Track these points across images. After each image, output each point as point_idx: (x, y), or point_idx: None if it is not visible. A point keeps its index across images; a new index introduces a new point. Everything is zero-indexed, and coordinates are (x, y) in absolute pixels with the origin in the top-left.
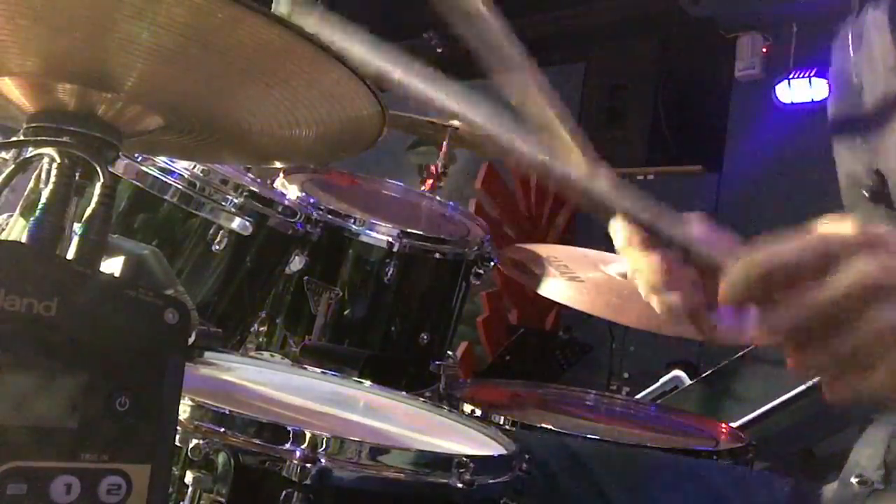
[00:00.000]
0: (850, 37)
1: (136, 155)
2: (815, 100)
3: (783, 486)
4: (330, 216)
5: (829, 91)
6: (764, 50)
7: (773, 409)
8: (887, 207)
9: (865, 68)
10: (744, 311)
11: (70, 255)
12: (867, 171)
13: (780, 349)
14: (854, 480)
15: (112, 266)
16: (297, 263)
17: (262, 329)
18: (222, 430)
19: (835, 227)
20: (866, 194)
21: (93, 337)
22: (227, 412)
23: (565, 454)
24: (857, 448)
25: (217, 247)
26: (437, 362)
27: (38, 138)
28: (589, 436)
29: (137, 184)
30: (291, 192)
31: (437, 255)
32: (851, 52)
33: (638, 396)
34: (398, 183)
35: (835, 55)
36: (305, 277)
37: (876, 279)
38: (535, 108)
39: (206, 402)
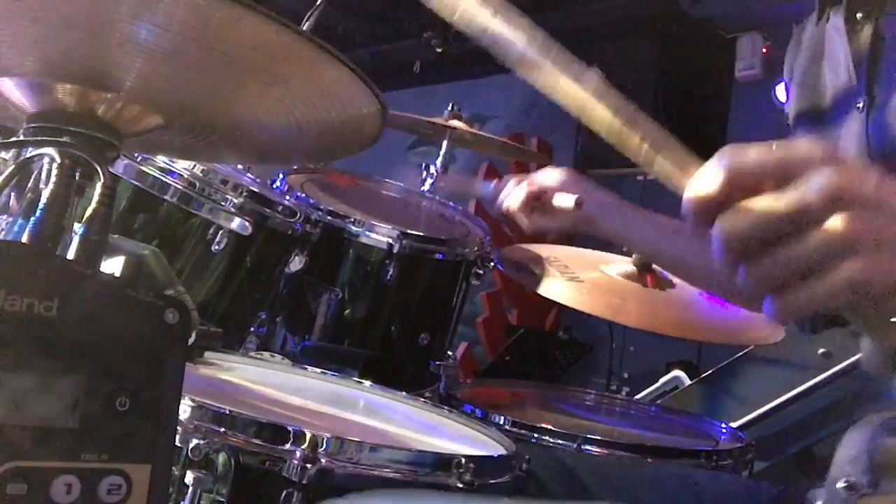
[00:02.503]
0: (812, 40)
1: (136, 155)
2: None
3: (771, 492)
4: (330, 216)
5: (789, 89)
6: (764, 50)
7: (773, 409)
8: None
9: (827, 68)
10: (707, 214)
11: (70, 255)
12: None
13: (733, 261)
14: (841, 486)
15: (112, 266)
16: (297, 263)
17: (262, 329)
18: (222, 430)
19: (801, 142)
20: None
21: (93, 337)
22: (227, 412)
23: (559, 468)
24: (841, 451)
25: (217, 247)
26: (437, 362)
27: (39, 138)
28: (589, 436)
29: (137, 184)
30: (291, 192)
31: (437, 256)
32: (813, 54)
33: (638, 396)
34: (398, 183)
35: (798, 56)
36: (305, 277)
37: (832, 187)
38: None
39: (206, 402)
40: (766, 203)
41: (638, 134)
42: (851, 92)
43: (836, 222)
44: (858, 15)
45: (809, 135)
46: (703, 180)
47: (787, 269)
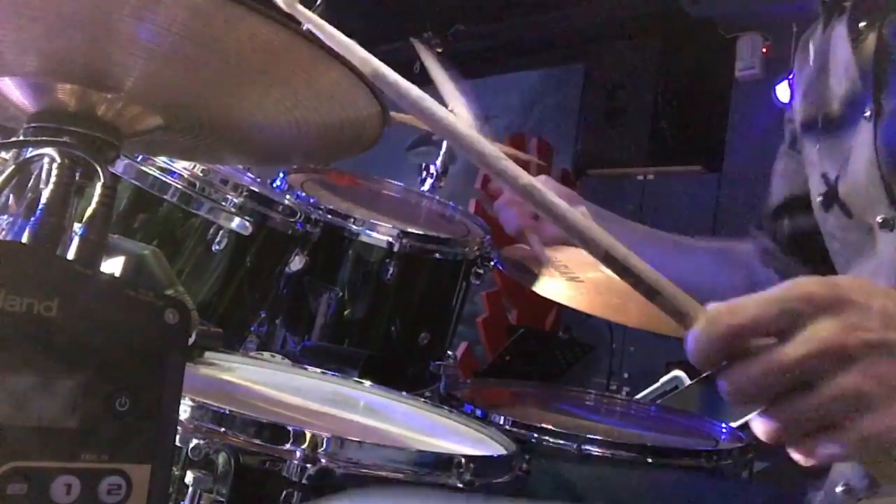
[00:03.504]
0: (819, 49)
1: (136, 155)
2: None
3: (768, 495)
4: (330, 216)
5: (794, 97)
6: (764, 50)
7: None
8: (842, 212)
9: (833, 78)
10: (713, 365)
11: (70, 255)
12: (823, 177)
13: (743, 411)
14: (839, 489)
15: (112, 266)
16: (297, 263)
17: (262, 329)
18: (222, 430)
19: (800, 283)
20: (819, 199)
21: (93, 337)
22: (227, 412)
23: (554, 478)
24: None
25: (217, 247)
26: (437, 362)
27: (39, 138)
28: (589, 436)
29: (137, 184)
30: (291, 192)
31: (437, 255)
32: (819, 63)
33: (638, 396)
34: (398, 183)
35: (805, 66)
36: (305, 277)
37: (837, 341)
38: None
39: (206, 402)
40: (769, 360)
41: (631, 279)
42: (858, 100)
43: (846, 380)
44: (862, 24)
45: (816, 143)
46: (700, 342)
47: (801, 423)
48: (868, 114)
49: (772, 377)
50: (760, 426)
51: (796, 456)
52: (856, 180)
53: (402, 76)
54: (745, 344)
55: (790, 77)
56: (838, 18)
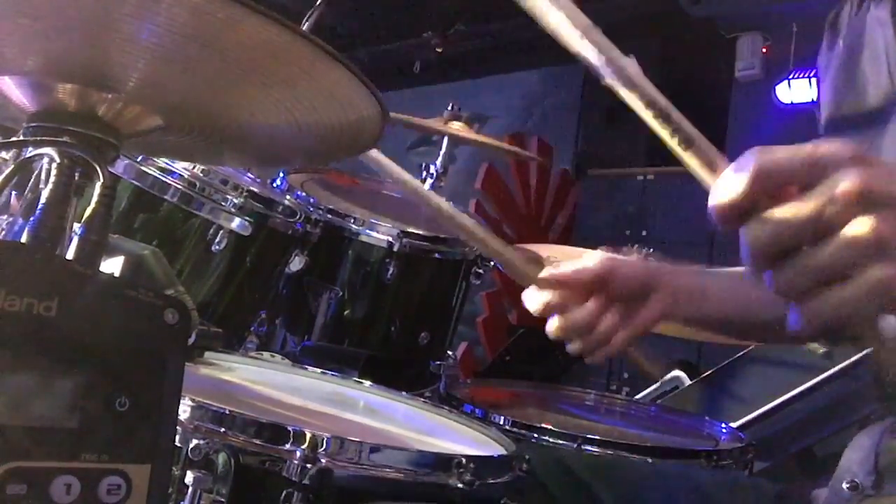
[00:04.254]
0: (851, 31)
1: (136, 155)
2: (815, 100)
3: (774, 492)
4: (330, 216)
5: (822, 90)
6: (764, 50)
7: (773, 409)
8: None
9: (868, 65)
10: (734, 218)
11: (70, 255)
12: None
13: (760, 266)
14: (845, 486)
15: (112, 266)
16: (297, 263)
17: (262, 329)
18: (222, 430)
19: (828, 143)
20: None
21: (93, 337)
22: (227, 412)
23: (559, 467)
24: (848, 453)
25: (217, 247)
26: (436, 362)
27: (38, 138)
28: (589, 436)
29: (137, 184)
30: (291, 192)
31: (437, 255)
32: (851, 48)
33: (638, 396)
34: None
35: (834, 49)
36: (305, 277)
37: (858, 186)
38: None
39: (206, 402)
40: (790, 208)
41: (668, 128)
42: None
43: (861, 225)
44: None
45: (846, 138)
46: (727, 185)
47: (811, 274)
48: None
49: (792, 225)
50: (773, 282)
51: (799, 315)
52: None
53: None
54: (770, 193)
55: (794, 75)
56: (876, 2)
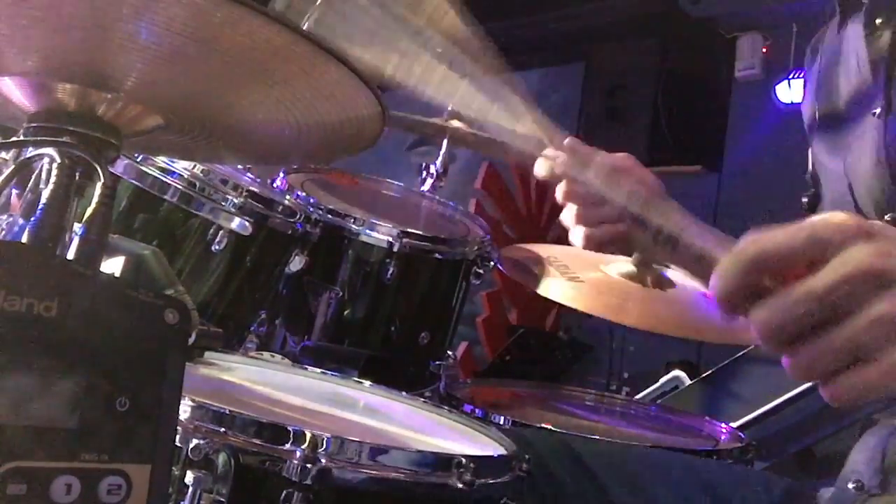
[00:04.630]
0: (831, 47)
1: (136, 155)
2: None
3: (780, 487)
4: (330, 216)
5: (807, 94)
6: (764, 50)
7: (773, 409)
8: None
9: (842, 78)
10: (739, 305)
11: (70, 255)
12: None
13: (775, 350)
14: (851, 485)
15: (112, 266)
16: (297, 263)
17: (262, 329)
18: (222, 430)
19: (828, 215)
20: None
21: (93, 337)
22: (227, 412)
23: (566, 453)
24: (854, 453)
25: (217, 247)
26: (437, 362)
27: (39, 138)
28: (589, 436)
29: (137, 184)
30: (291, 192)
31: (437, 255)
32: (830, 60)
33: (638, 396)
34: (398, 183)
35: (812, 63)
36: (305, 277)
37: (872, 265)
38: None
39: (206, 402)
40: (801, 289)
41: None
42: (867, 96)
43: (881, 306)
44: (878, 20)
45: (823, 139)
46: (726, 273)
47: (834, 355)
48: (878, 110)
49: (805, 306)
50: (791, 364)
51: (826, 394)
52: (861, 178)
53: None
54: (773, 275)
55: (794, 75)
56: (854, 17)
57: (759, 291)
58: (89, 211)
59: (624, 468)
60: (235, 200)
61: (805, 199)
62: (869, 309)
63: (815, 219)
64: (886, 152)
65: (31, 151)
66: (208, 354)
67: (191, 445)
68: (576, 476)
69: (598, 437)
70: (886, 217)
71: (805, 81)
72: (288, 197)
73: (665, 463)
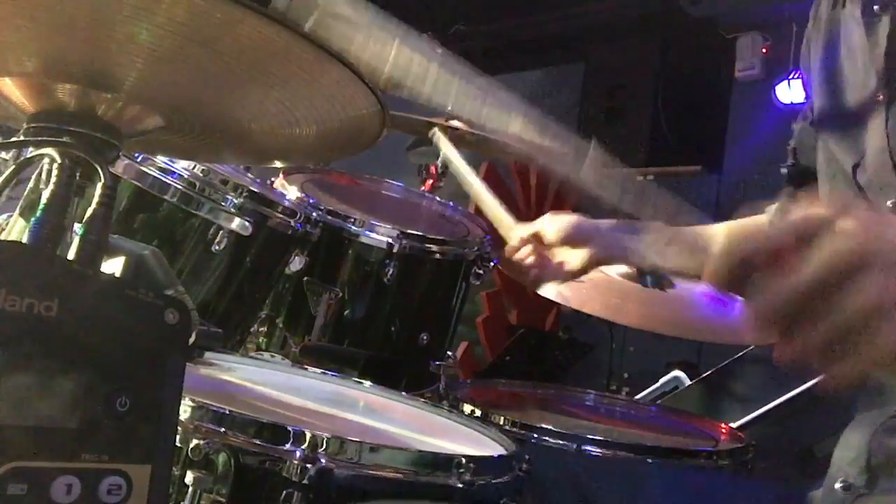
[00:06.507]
0: (828, 26)
1: (136, 155)
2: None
3: (772, 492)
4: (330, 216)
5: (809, 84)
6: (764, 50)
7: (773, 409)
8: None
9: (846, 62)
10: (730, 300)
11: (70, 255)
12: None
13: (767, 339)
14: (838, 485)
15: (112, 266)
16: (297, 263)
17: (262, 329)
18: (222, 430)
19: (809, 207)
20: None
21: (93, 337)
22: (227, 412)
23: (559, 469)
24: (837, 451)
25: (217, 247)
26: (436, 362)
27: (39, 138)
28: (589, 436)
29: (137, 184)
30: (291, 192)
31: (437, 256)
32: (829, 43)
33: (638, 396)
34: (398, 183)
35: (813, 50)
36: (305, 277)
37: (854, 251)
38: None
39: (206, 402)
40: (789, 279)
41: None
42: (871, 86)
43: (866, 290)
44: (875, 7)
45: (833, 133)
46: (721, 260)
47: (826, 338)
48: (881, 98)
49: (793, 295)
50: (782, 349)
51: (829, 379)
52: (869, 165)
53: None
54: (761, 268)
55: (794, 75)
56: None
57: (749, 278)
58: (89, 211)
59: (616, 482)
60: (235, 200)
61: (784, 171)
62: (853, 293)
63: (798, 212)
64: (888, 139)
65: (31, 152)
66: (208, 354)
67: (191, 445)
68: (569, 493)
69: (598, 438)
70: (888, 202)
71: (802, 67)
72: (288, 197)
73: (657, 474)
